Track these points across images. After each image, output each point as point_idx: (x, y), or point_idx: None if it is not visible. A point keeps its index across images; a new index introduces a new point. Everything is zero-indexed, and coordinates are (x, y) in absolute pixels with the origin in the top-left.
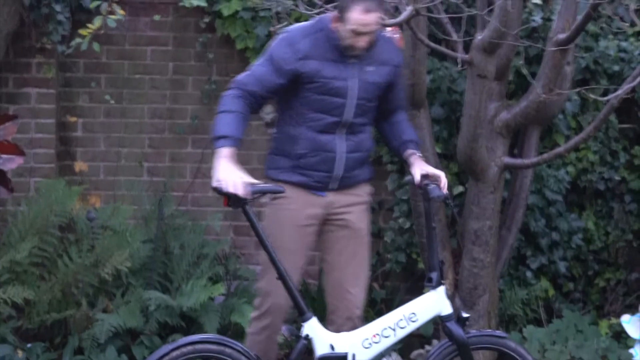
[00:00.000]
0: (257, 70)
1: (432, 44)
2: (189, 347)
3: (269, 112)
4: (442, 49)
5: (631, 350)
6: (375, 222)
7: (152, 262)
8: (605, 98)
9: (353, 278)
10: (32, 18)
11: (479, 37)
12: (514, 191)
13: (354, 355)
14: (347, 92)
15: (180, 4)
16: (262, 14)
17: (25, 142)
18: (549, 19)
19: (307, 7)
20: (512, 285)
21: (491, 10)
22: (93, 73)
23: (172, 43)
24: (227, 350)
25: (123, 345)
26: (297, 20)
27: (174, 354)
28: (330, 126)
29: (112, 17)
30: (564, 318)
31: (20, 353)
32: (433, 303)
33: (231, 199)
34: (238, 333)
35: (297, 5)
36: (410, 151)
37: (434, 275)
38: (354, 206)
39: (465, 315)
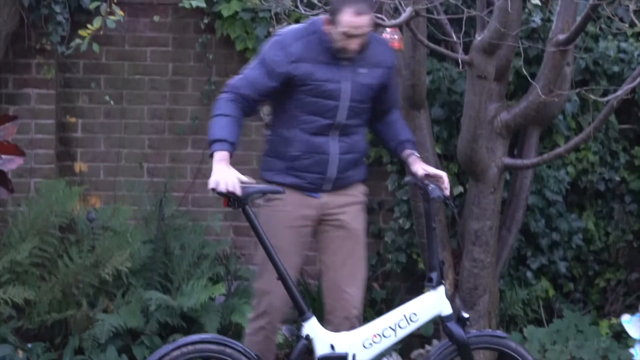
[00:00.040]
0: (249, 73)
1: (432, 45)
2: (190, 347)
3: (268, 113)
4: (442, 49)
5: (631, 350)
6: (375, 223)
7: (152, 263)
8: (605, 99)
9: (349, 278)
10: (31, 19)
11: (479, 38)
12: (514, 192)
13: (354, 355)
14: (339, 94)
15: (180, 4)
16: (261, 14)
17: (25, 142)
18: (548, 20)
19: (306, 9)
20: (513, 285)
21: (491, 11)
22: (93, 74)
23: (171, 44)
24: (228, 350)
25: (123, 346)
26: (297, 21)
27: (175, 354)
28: (324, 128)
29: (112, 18)
30: (564, 318)
31: (20, 353)
32: (433, 303)
33: (231, 200)
34: (238, 333)
35: (296, 6)
36: (408, 151)
37: (434, 275)
38: (348, 206)
39: (465, 315)
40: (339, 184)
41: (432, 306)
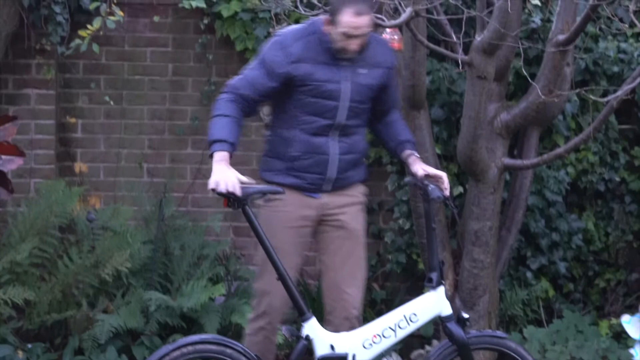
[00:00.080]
0: (249, 74)
1: (432, 45)
2: (189, 348)
3: (268, 113)
4: (442, 50)
5: (631, 351)
6: (375, 223)
7: (152, 263)
8: (605, 99)
9: (349, 278)
10: (31, 19)
11: (479, 39)
12: (514, 192)
13: (354, 356)
14: (339, 94)
15: (180, 5)
16: (261, 15)
17: (25, 143)
18: (548, 20)
19: (306, 9)
20: (513, 285)
21: (491, 12)
22: (92, 74)
23: (171, 44)
24: (228, 350)
25: (123, 346)
26: (297, 21)
27: (175, 354)
28: (323, 129)
29: (112, 18)
30: (564, 318)
31: (20, 353)
32: (433, 303)
33: (231, 200)
34: (238, 334)
35: (296, 7)
36: (408, 152)
37: (434, 275)
38: (348, 207)
39: (465, 315)
40: (339, 185)
41: (432, 306)
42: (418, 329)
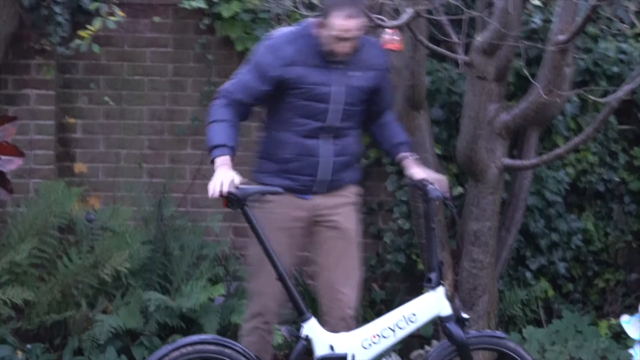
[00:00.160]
0: (242, 78)
1: (432, 46)
2: (189, 348)
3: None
4: (442, 50)
5: (630, 351)
6: (374, 223)
7: (151, 263)
8: (605, 99)
9: (344, 278)
10: (31, 19)
11: (479, 39)
12: (513, 192)
13: (353, 356)
14: (331, 97)
15: (180, 5)
16: (261, 15)
17: (25, 143)
18: (548, 21)
19: (307, 9)
20: (512, 285)
21: (491, 12)
22: (92, 74)
23: (171, 44)
24: (227, 350)
25: (123, 346)
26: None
27: (174, 354)
28: (315, 131)
29: (112, 18)
30: (563, 319)
31: (20, 354)
32: (432, 303)
33: (230, 200)
34: (238, 334)
35: (296, 7)
36: (403, 154)
37: (434, 275)
38: (341, 207)
39: (464, 315)
40: (332, 186)
41: (431, 307)
42: (418, 329)
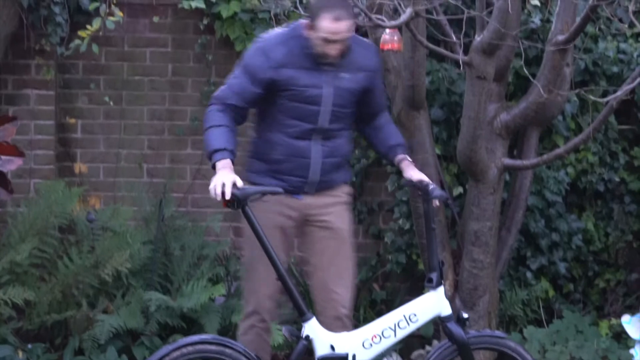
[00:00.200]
0: (234, 82)
1: (432, 46)
2: (189, 348)
3: None
4: (442, 50)
5: (631, 351)
6: (375, 223)
7: (152, 263)
8: (605, 99)
9: (337, 278)
10: (31, 20)
11: (478, 39)
12: (513, 192)
13: (354, 356)
14: (321, 99)
15: (180, 5)
16: (260, 15)
17: (25, 143)
18: (548, 21)
19: (305, 10)
20: (513, 285)
21: (490, 12)
22: (92, 75)
23: (171, 45)
24: (227, 350)
25: (123, 346)
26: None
27: (175, 354)
28: (306, 133)
29: (111, 18)
30: (564, 319)
31: (20, 354)
32: (433, 303)
33: (230, 200)
34: (237, 334)
35: (296, 7)
36: (400, 156)
37: (434, 275)
38: (332, 207)
39: (465, 315)
40: (322, 187)
41: (431, 307)
42: (418, 329)
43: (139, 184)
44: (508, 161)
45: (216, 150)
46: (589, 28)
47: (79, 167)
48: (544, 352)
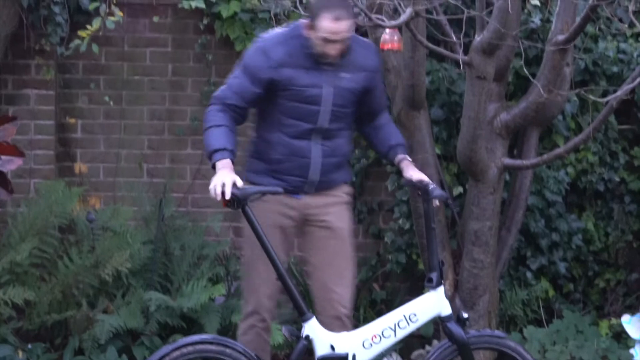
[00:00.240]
0: (233, 82)
1: (432, 46)
2: (190, 348)
3: None
4: (442, 50)
5: (631, 351)
6: (375, 223)
7: (152, 263)
8: (605, 99)
9: (336, 277)
10: (30, 20)
11: (478, 39)
12: (513, 192)
13: (354, 356)
14: (321, 99)
15: (179, 5)
16: (260, 15)
17: (25, 143)
18: (548, 21)
19: (305, 10)
20: (513, 285)
21: (490, 12)
22: (92, 74)
23: (171, 44)
24: (228, 350)
25: (123, 346)
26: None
27: (175, 354)
28: (305, 132)
29: (111, 18)
30: (564, 318)
31: (20, 354)
32: (433, 303)
33: (230, 200)
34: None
35: (296, 7)
36: (400, 156)
37: (434, 275)
38: (332, 207)
39: (465, 315)
40: (322, 187)
41: (431, 306)
42: (418, 329)
43: (139, 184)
44: (508, 161)
45: (216, 150)
46: (589, 28)
47: (79, 167)
48: (544, 352)
